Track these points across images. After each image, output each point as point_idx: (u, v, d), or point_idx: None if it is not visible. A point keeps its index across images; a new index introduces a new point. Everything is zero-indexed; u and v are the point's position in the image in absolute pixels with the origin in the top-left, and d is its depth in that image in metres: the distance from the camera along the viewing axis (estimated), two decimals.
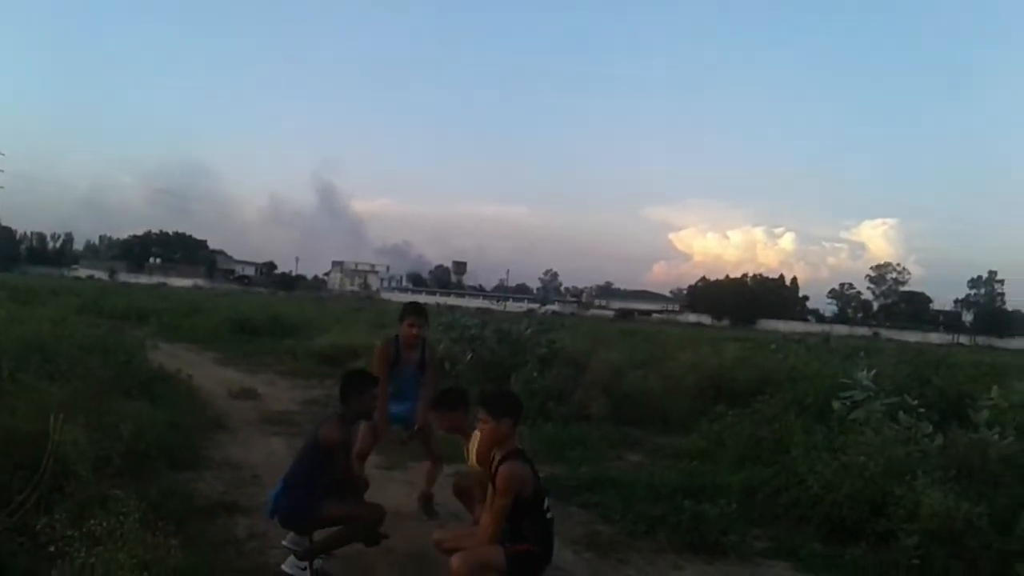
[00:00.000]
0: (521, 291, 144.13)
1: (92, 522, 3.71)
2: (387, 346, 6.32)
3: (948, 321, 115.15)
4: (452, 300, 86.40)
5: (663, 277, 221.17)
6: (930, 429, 6.80)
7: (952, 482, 5.93)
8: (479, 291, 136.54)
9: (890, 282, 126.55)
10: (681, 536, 5.75)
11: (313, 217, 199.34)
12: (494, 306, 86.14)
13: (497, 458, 4.31)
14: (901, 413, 7.03)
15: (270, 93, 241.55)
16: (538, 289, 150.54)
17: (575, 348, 14.74)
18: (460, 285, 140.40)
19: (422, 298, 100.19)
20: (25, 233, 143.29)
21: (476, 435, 4.74)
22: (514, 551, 4.16)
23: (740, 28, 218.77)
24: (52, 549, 3.81)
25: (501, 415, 4.32)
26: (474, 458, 4.82)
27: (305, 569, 4.68)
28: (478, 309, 30.83)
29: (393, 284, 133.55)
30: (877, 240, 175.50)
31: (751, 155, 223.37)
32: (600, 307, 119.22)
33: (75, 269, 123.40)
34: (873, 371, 8.38)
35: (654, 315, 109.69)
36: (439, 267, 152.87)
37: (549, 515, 4.38)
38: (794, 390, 10.20)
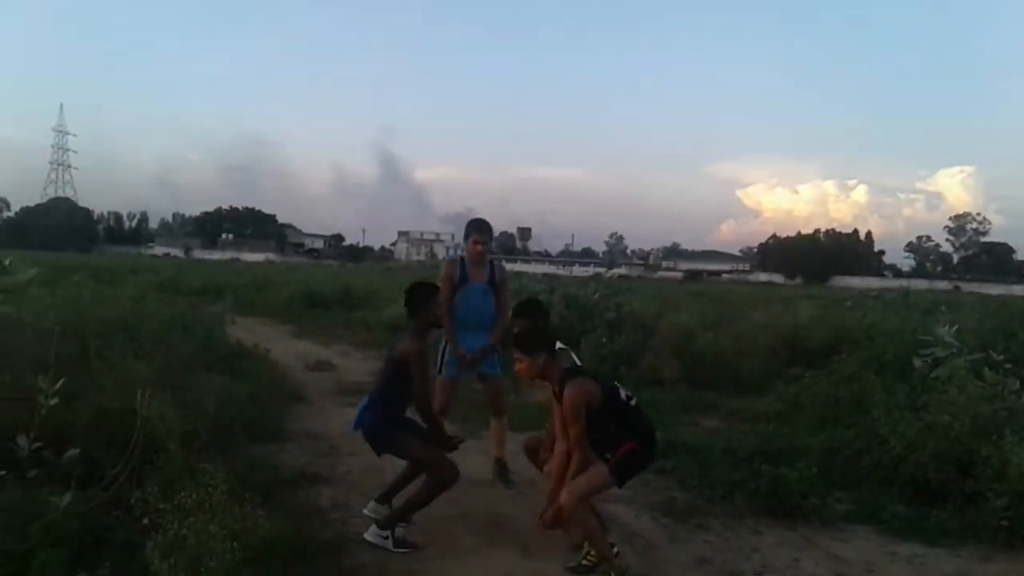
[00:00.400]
0: (587, 255, 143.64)
1: (182, 494, 3.83)
2: (452, 264, 6.31)
3: None
4: (518, 266, 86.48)
5: (731, 236, 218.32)
6: (1017, 386, 6.56)
7: None
8: (545, 256, 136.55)
9: (970, 233, 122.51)
10: (760, 501, 5.69)
11: (376, 187, 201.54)
12: (560, 271, 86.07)
13: (556, 387, 4.37)
14: (986, 369, 6.79)
15: (329, 64, 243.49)
16: (604, 253, 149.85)
17: (644, 311, 14.61)
18: (526, 251, 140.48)
19: None
20: (102, 213, 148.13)
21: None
22: (616, 461, 4.21)
23: None
24: (146, 522, 3.96)
25: (533, 350, 4.40)
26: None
27: (387, 538, 4.78)
28: (545, 275, 30.84)
29: (459, 252, 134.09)
30: (955, 189, 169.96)
31: (818, 106, 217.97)
32: (668, 269, 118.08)
33: (151, 247, 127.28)
34: (955, 326, 8.11)
35: (724, 275, 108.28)
36: (503, 233, 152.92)
37: (632, 402, 4.44)
38: (872, 348, 9.93)
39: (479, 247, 6.20)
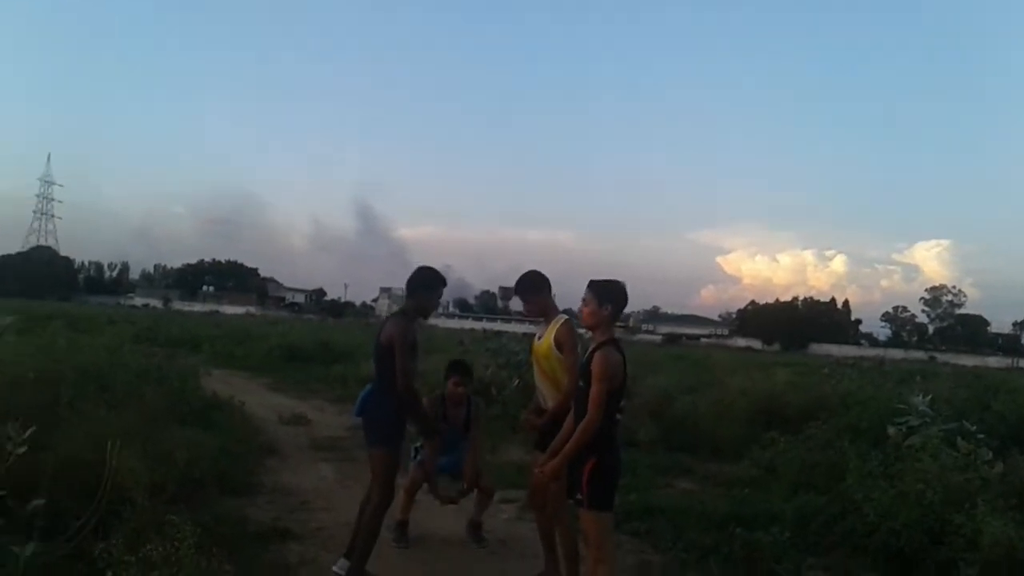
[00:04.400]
0: (568, 316, 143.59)
1: (148, 547, 3.79)
2: (432, 405, 6.29)
3: (1006, 344, 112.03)
4: (499, 325, 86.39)
5: (711, 301, 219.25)
6: (990, 456, 6.59)
7: (1013, 510, 5.74)
8: (525, 316, 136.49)
9: (945, 305, 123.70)
10: (734, 565, 5.66)
11: (359, 243, 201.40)
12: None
13: (592, 347, 4.34)
14: (959, 439, 6.83)
15: (315, 120, 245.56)
16: None
17: None
18: (506, 310, 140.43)
19: (468, 323, 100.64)
20: (83, 263, 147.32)
21: (554, 323, 5.07)
22: (587, 494, 4.15)
23: (788, 50, 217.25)
24: (109, 574, 3.90)
25: (605, 299, 4.39)
26: (549, 339, 5.00)
27: None
28: (525, 334, 30.83)
29: (440, 310, 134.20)
30: (931, 262, 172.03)
31: (799, 177, 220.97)
32: (648, 331, 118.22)
33: (131, 298, 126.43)
34: (929, 396, 8.17)
35: (703, 339, 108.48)
36: (485, 292, 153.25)
37: (619, 416, 4.39)
38: (848, 415, 9.98)
39: (460, 389, 6.33)
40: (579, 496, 4.20)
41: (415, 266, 5.32)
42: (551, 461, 4.34)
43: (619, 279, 4.55)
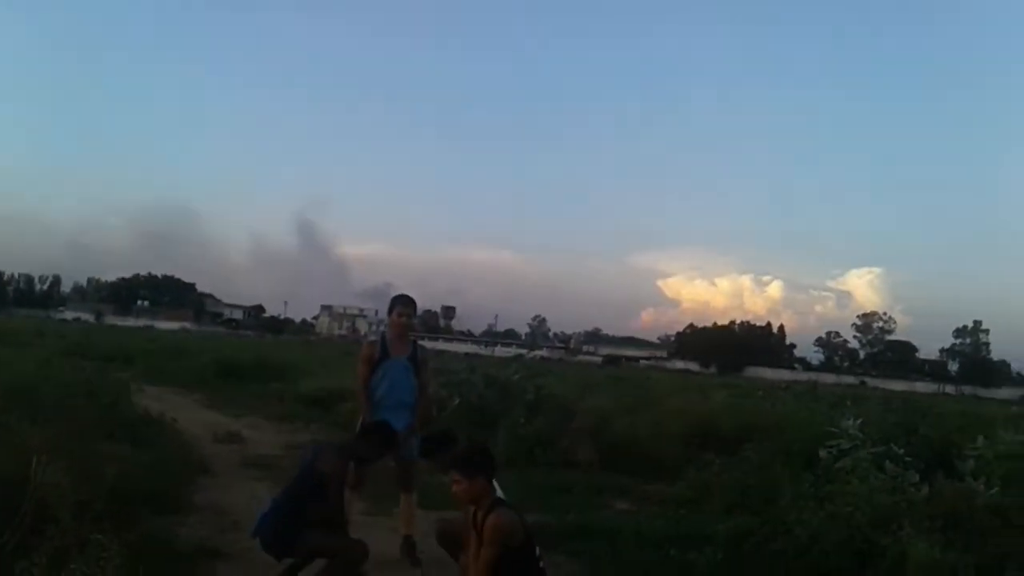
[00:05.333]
0: (509, 336, 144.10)
1: (72, 567, 3.67)
2: (371, 345, 6.29)
3: (934, 370, 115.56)
4: (441, 344, 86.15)
5: (651, 324, 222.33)
6: (916, 478, 6.78)
7: (939, 532, 5.90)
8: (468, 336, 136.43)
9: (876, 331, 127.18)
10: None
11: (298, 260, 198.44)
12: (482, 351, 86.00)
13: (481, 512, 4.27)
14: (887, 462, 7.01)
15: (255, 134, 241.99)
16: (526, 334, 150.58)
17: (563, 394, 14.70)
18: (449, 330, 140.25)
19: None
20: (13, 274, 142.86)
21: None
22: None
23: (728, 73, 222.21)
24: None
25: (474, 473, 4.31)
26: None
27: None
28: (466, 354, 30.71)
29: (381, 328, 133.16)
30: (863, 289, 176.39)
31: (738, 203, 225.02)
32: (588, 353, 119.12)
33: (62, 311, 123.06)
34: (860, 420, 8.36)
35: (642, 361, 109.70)
36: (427, 311, 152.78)
37: (541, 564, 4.35)
38: (781, 438, 10.19)
39: (403, 319, 6.25)
40: None
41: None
42: None
43: (479, 446, 4.59)
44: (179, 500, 7.40)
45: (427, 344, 6.68)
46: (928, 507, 6.50)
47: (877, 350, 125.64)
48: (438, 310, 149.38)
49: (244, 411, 15.69)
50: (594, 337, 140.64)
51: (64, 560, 3.88)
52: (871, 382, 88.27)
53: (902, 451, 7.40)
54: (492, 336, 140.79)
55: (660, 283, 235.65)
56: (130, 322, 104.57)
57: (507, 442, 10.53)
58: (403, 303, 6.31)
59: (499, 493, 4.54)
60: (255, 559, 5.73)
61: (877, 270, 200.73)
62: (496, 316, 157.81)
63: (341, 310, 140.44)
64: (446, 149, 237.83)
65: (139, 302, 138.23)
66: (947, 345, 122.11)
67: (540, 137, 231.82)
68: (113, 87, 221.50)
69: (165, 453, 8.96)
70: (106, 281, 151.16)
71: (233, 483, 8.65)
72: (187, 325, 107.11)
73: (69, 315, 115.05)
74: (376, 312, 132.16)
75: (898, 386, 78.40)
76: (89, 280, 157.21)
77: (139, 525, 5.91)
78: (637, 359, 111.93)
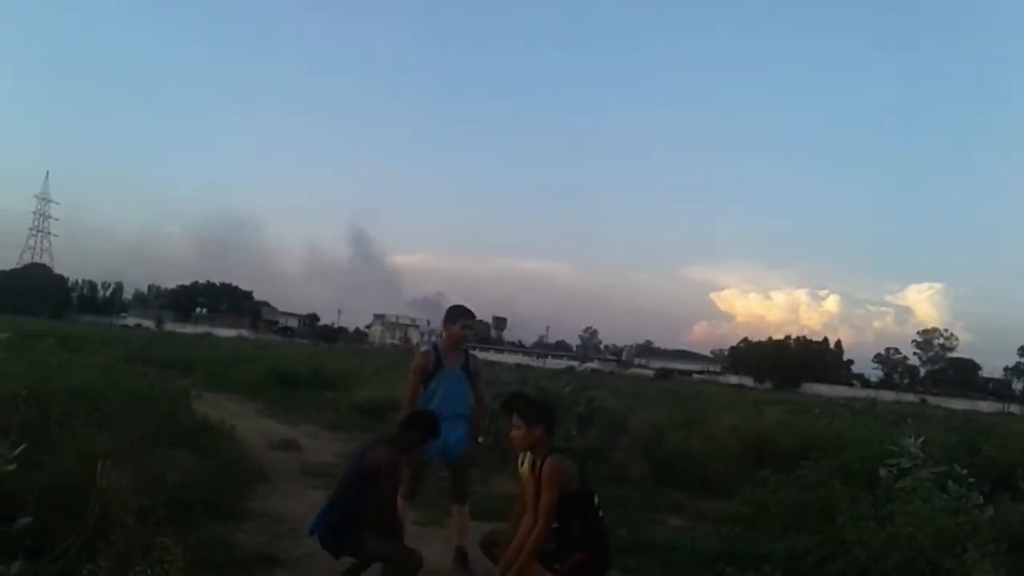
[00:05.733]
0: (561, 348, 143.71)
1: (136, 570, 3.76)
2: (425, 356, 6.26)
3: (997, 389, 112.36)
4: (492, 355, 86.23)
5: (704, 337, 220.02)
6: (980, 500, 6.60)
7: (1003, 555, 5.75)
8: (519, 347, 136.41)
9: (937, 348, 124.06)
10: None
11: (352, 269, 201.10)
12: (533, 362, 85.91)
13: (539, 459, 4.40)
14: (950, 482, 6.84)
15: (312, 145, 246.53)
16: (578, 346, 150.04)
17: (615, 407, 14.60)
18: (500, 340, 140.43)
19: None
20: (77, 281, 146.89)
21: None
22: (567, 569, 4.14)
23: (788, 87, 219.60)
24: None
25: (534, 421, 4.45)
26: (528, 463, 4.83)
27: None
28: (518, 365, 30.73)
29: (433, 338, 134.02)
30: (923, 304, 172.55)
31: (794, 216, 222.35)
32: (640, 366, 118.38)
33: (124, 317, 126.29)
34: (921, 438, 8.18)
35: (694, 375, 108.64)
36: (479, 322, 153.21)
37: (601, 513, 4.41)
38: (839, 456, 9.98)
39: (467, 331, 6.31)
40: (556, 567, 4.22)
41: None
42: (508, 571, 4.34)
43: (542, 399, 4.65)
44: (238, 506, 7.52)
45: (478, 355, 6.68)
46: (993, 529, 6.34)
47: (938, 367, 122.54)
48: (489, 321, 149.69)
49: (300, 419, 15.90)
50: (646, 350, 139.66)
51: (128, 563, 3.98)
52: (932, 400, 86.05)
53: (965, 471, 7.21)
54: (543, 347, 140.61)
55: (713, 296, 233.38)
56: (189, 329, 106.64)
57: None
58: (468, 315, 6.35)
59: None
60: (312, 566, 5.81)
61: (937, 285, 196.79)
62: (547, 327, 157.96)
63: (393, 319, 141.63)
64: (499, 160, 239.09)
65: (198, 309, 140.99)
66: (1011, 363, 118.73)
67: (595, 149, 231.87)
68: (175, 96, 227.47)
69: (224, 460, 9.11)
70: (166, 288, 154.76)
71: (290, 490, 8.76)
72: (244, 332, 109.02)
73: (131, 321, 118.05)
74: (428, 322, 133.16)
75: (960, 405, 76.14)
76: (150, 287, 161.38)
77: (199, 530, 6.04)
78: (690, 373, 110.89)
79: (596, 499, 4.49)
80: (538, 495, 4.35)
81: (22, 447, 4.33)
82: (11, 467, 4.27)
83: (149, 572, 3.74)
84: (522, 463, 5.06)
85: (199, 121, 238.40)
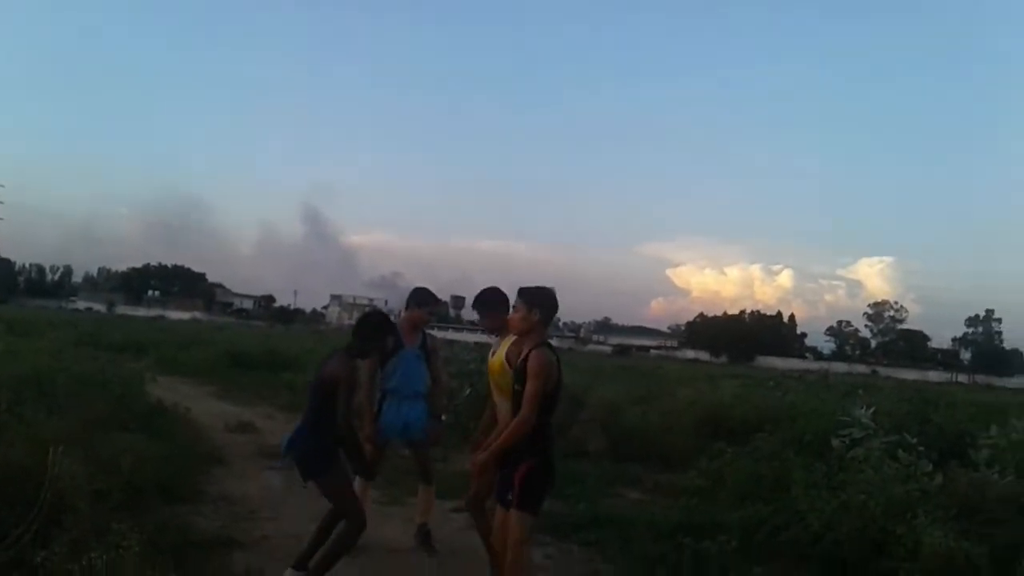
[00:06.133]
0: None
1: (91, 555, 3.71)
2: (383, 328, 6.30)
3: (946, 359, 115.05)
4: (451, 335, 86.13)
5: (661, 313, 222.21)
6: (930, 467, 6.76)
7: (952, 521, 5.89)
8: (477, 326, 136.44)
9: (888, 320, 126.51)
10: (682, 574, 5.71)
11: (307, 249, 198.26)
12: (493, 341, 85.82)
13: (526, 350, 4.42)
14: (900, 451, 7.00)
15: (262, 122, 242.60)
16: None
17: (573, 383, 14.69)
18: (459, 319, 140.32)
19: None
20: (24, 265, 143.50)
21: (506, 340, 4.94)
22: (518, 492, 4.26)
23: (739, 62, 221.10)
24: None
25: (534, 305, 4.49)
26: (501, 354, 4.93)
27: None
28: (476, 343, 30.78)
29: (392, 318, 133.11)
30: (874, 278, 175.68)
31: (748, 192, 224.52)
32: (598, 342, 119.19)
33: (73, 301, 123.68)
34: (872, 409, 8.36)
35: (652, 351, 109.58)
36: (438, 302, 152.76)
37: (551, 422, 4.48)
38: (793, 427, 10.17)
39: (430, 317, 6.42)
40: (509, 496, 4.27)
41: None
42: (481, 454, 4.44)
43: (549, 286, 4.67)
44: (194, 490, 7.44)
45: (437, 334, 6.72)
46: (942, 496, 6.50)
47: (889, 339, 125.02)
48: (448, 300, 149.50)
49: (256, 401, 15.76)
50: (604, 327, 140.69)
51: (82, 549, 3.92)
52: (883, 371, 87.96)
53: (915, 440, 7.40)
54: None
55: (670, 272, 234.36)
56: (141, 312, 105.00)
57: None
58: (434, 301, 6.45)
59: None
60: (272, 547, 5.78)
61: (888, 259, 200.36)
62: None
63: (351, 300, 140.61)
64: (456, 139, 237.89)
65: (150, 292, 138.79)
66: (959, 334, 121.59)
67: (548, 126, 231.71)
68: (121, 72, 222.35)
69: (179, 443, 9.02)
70: (117, 271, 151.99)
71: (247, 473, 8.68)
72: (198, 315, 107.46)
73: (81, 305, 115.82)
74: (386, 302, 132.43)
75: (910, 375, 78.18)
76: (100, 270, 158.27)
77: (155, 514, 5.98)
78: (647, 348, 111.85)
79: (559, 394, 4.56)
80: (512, 387, 4.45)
81: None
82: None
83: (104, 557, 3.68)
84: (493, 352, 5.15)
85: (144, 98, 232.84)
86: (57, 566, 3.75)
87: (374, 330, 5.28)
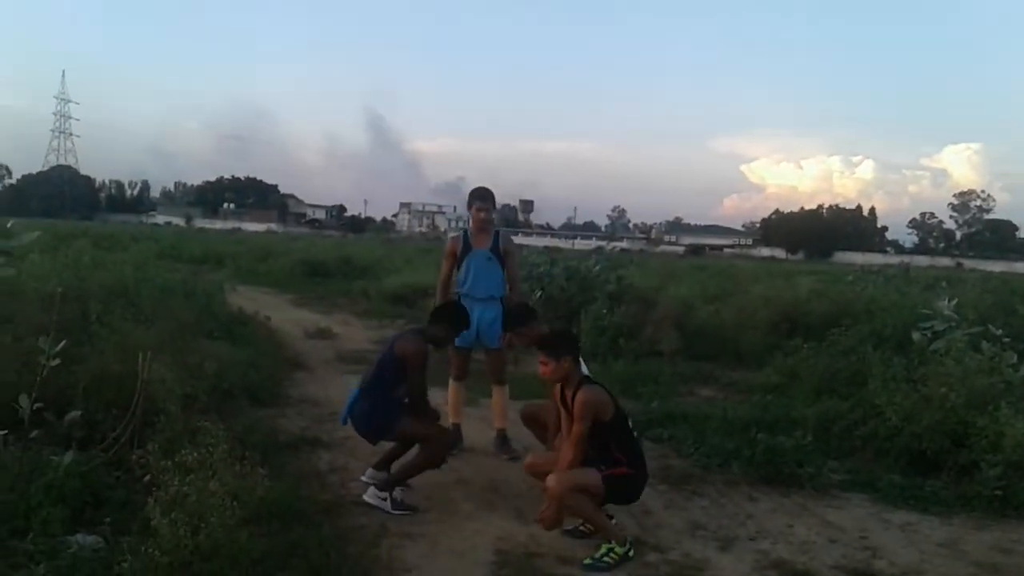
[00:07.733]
0: (589, 229, 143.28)
1: (183, 453, 3.88)
2: (455, 240, 6.38)
3: None
4: (520, 239, 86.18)
5: (734, 211, 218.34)
6: (1014, 359, 6.56)
7: None
8: (547, 229, 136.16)
9: (974, 210, 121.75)
10: (756, 469, 5.74)
11: (375, 158, 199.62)
12: (562, 244, 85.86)
13: (570, 390, 4.41)
14: (984, 343, 6.80)
15: (326, 33, 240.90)
16: (606, 226, 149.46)
17: (644, 284, 14.63)
18: (528, 224, 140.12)
19: None
20: (104, 181, 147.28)
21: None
22: (611, 474, 4.27)
23: None
24: (146, 479, 4.02)
25: (560, 354, 4.43)
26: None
27: (386, 500, 4.83)
28: (546, 247, 30.71)
29: (461, 224, 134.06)
30: (960, 166, 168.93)
31: (824, 82, 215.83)
32: (670, 243, 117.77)
33: (153, 216, 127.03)
34: (955, 301, 8.10)
35: (726, 250, 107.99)
36: (505, 206, 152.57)
37: (635, 434, 4.50)
38: (872, 322, 9.95)
39: (482, 214, 6.25)
40: (602, 468, 4.31)
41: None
42: (546, 512, 4.36)
43: (562, 329, 4.61)
44: (277, 393, 7.73)
45: (510, 235, 6.65)
46: None
47: (975, 230, 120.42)
48: (516, 204, 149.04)
49: (332, 308, 16.17)
50: (676, 227, 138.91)
51: (175, 448, 4.11)
52: (968, 264, 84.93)
53: (1000, 332, 7.17)
54: (571, 229, 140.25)
55: (743, 168, 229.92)
56: (218, 225, 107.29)
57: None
58: (480, 197, 6.30)
59: (585, 371, 4.64)
60: (353, 446, 5.97)
61: (975, 146, 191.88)
62: (575, 208, 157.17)
63: (420, 207, 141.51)
64: (518, 40, 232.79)
65: (225, 205, 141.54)
66: None
67: (615, 21, 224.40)
68: None
69: (261, 349, 9.32)
70: (192, 185, 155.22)
71: (327, 377, 8.95)
72: (272, 226, 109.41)
73: (160, 219, 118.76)
74: (455, 208, 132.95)
75: (997, 267, 75.28)
76: (176, 184, 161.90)
77: (241, 416, 6.22)
78: (721, 248, 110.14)
79: (629, 422, 4.55)
80: (570, 424, 4.41)
81: (63, 344, 4.43)
82: (55, 363, 4.38)
83: (196, 455, 3.85)
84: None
85: (211, 12, 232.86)
86: (152, 464, 3.94)
87: (451, 322, 5.27)
